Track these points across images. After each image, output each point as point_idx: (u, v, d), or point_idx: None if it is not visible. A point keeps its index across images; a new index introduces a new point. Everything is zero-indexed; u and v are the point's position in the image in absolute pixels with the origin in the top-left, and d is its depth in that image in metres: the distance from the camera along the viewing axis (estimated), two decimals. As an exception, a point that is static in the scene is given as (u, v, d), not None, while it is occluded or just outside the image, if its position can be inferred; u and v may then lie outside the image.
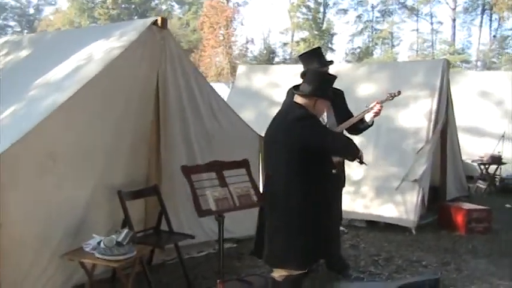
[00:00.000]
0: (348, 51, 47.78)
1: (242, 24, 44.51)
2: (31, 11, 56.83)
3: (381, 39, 47.31)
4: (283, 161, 3.87)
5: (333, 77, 4.13)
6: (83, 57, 5.06)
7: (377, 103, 4.98)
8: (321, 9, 46.80)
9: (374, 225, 7.48)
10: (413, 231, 7.12)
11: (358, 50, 46.97)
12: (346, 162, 7.92)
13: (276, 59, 44.53)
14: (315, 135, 3.81)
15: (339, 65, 11.49)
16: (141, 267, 4.64)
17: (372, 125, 5.13)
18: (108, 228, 4.78)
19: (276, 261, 3.98)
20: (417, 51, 45.62)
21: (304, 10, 46.40)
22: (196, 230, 5.89)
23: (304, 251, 3.86)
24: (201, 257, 5.91)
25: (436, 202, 8.15)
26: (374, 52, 46.34)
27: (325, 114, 4.96)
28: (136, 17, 50.85)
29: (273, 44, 47.48)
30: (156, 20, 5.17)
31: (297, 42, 46.33)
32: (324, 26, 46.16)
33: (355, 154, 4.08)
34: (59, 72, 4.98)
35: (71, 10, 50.74)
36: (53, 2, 57.02)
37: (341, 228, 5.66)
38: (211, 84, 6.68)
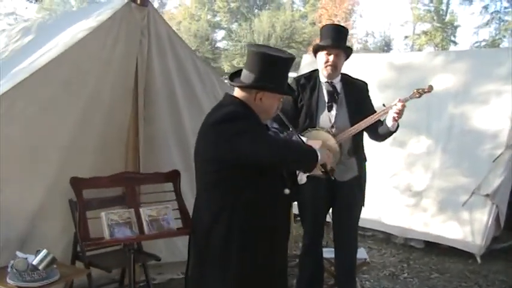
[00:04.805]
0: (472, 45, 44.22)
1: (361, 17, 42.82)
2: (155, 4, 58.87)
3: (509, 31, 43.18)
4: (205, 179, 2.77)
5: (286, 60, 2.74)
6: (54, 41, 4.42)
7: (399, 101, 3.75)
8: (444, 0, 43.71)
9: (434, 247, 6.13)
10: (479, 260, 5.69)
11: (484, 43, 43.24)
12: (404, 167, 6.84)
13: (391, 52, 42.24)
14: (244, 143, 2.58)
15: (410, 55, 10.01)
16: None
17: (395, 130, 3.92)
18: (64, 242, 4.05)
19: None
20: (551, 44, 41.17)
21: (425, 1, 43.72)
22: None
23: None
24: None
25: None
26: (501, 45, 42.36)
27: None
28: (256, 10, 51.00)
29: (390, 36, 45.24)
30: (134, -5, 4.34)
31: (418, 35, 43.93)
32: (447, 18, 43.05)
33: (309, 165, 2.84)
34: (28, 61, 4.38)
35: (192, 3, 51.71)
36: (176, -4, 58.67)
37: (361, 256, 4.47)
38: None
